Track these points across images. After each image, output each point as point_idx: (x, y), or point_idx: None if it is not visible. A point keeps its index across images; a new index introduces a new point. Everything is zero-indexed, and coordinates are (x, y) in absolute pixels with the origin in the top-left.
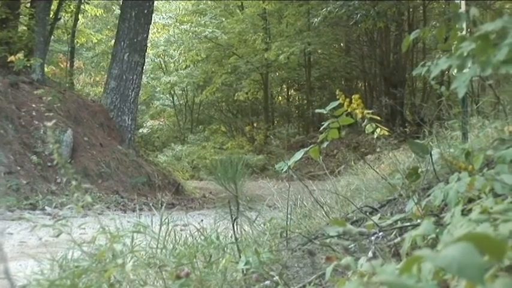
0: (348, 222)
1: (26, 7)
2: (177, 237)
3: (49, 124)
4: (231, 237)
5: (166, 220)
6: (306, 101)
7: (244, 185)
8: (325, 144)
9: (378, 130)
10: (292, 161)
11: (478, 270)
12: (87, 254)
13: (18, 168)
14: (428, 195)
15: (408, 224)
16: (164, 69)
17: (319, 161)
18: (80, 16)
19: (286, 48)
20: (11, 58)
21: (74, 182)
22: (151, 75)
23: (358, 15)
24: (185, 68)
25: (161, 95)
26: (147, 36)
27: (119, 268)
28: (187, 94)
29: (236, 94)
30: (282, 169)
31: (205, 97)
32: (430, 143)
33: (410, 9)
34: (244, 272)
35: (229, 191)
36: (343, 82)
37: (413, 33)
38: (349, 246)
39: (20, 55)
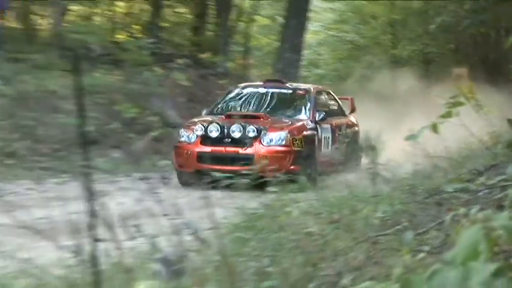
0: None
1: (213, 17)
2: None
3: None
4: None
5: None
6: None
7: None
8: None
9: None
10: None
11: None
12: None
13: None
14: None
15: (509, 183)
16: (316, 64)
17: None
18: (252, 24)
19: (408, 47)
20: (202, 56)
21: None
22: (305, 69)
23: (467, 23)
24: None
25: None
26: (303, 39)
27: (286, 215)
28: None
29: None
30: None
31: None
32: None
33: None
34: (381, 219)
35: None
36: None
37: None
38: (462, 200)
39: (208, 54)
